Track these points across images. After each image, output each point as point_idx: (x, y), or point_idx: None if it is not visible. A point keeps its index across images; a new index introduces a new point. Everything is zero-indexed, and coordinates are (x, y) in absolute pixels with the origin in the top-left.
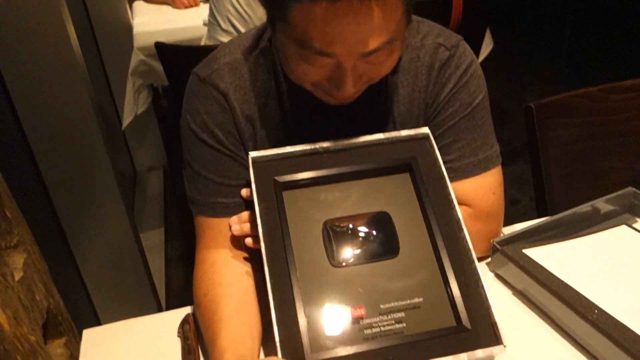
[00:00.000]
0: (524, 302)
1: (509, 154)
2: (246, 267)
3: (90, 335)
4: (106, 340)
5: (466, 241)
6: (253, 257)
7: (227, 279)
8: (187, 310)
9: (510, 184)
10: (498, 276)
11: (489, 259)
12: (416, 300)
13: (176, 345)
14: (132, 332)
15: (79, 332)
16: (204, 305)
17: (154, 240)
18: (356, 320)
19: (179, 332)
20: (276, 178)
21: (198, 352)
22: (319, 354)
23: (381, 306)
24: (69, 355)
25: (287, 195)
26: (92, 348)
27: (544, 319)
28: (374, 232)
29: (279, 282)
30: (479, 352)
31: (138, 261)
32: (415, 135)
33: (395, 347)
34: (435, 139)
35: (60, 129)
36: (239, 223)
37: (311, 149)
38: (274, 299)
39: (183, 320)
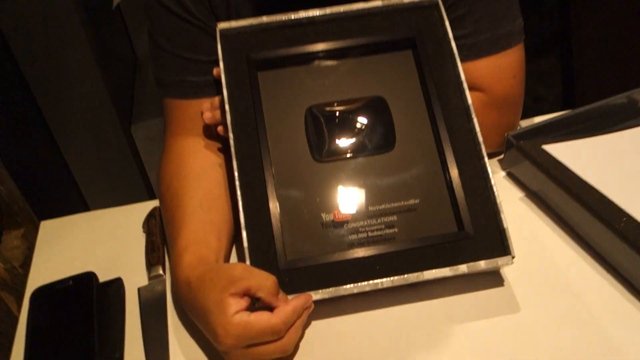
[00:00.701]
0: (538, 206)
1: (537, 45)
2: (218, 159)
3: (48, 227)
4: (65, 232)
5: (475, 133)
6: (228, 148)
7: (194, 170)
8: (155, 203)
9: (534, 79)
10: (511, 176)
11: (502, 156)
12: (412, 201)
13: (141, 241)
14: (93, 225)
15: None
16: (166, 200)
17: (153, 130)
18: (340, 223)
19: (144, 227)
20: (250, 55)
21: (163, 250)
22: (294, 261)
23: (370, 208)
24: (26, 247)
25: (262, 76)
26: (49, 240)
27: (561, 227)
28: (366, 121)
29: (249, 179)
30: (482, 264)
31: (127, 152)
32: (421, 2)
33: (384, 255)
34: (446, 9)
35: (34, 15)
36: (210, 110)
37: (293, 20)
38: (242, 198)
39: (149, 214)
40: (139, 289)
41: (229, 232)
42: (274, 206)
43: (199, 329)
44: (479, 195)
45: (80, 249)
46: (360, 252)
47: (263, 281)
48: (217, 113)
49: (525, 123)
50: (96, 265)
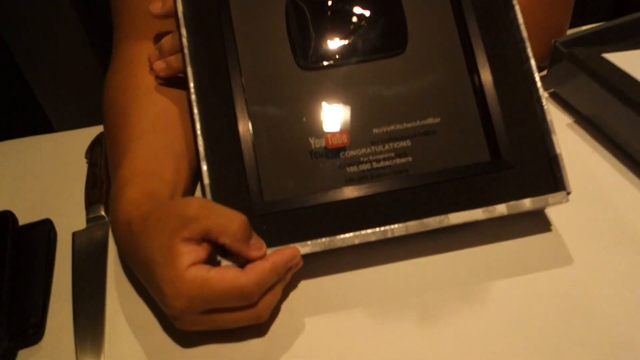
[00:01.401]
0: (593, 135)
1: None
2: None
3: None
4: None
5: (517, 24)
6: None
7: (147, 83)
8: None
9: None
10: (556, 97)
11: (544, 72)
12: (430, 120)
13: (82, 175)
14: (23, 154)
15: None
16: (109, 119)
17: None
18: (334, 152)
19: (87, 156)
20: None
21: (108, 187)
22: (273, 203)
23: (375, 131)
24: None
25: None
26: None
27: (624, 161)
28: (368, 13)
29: (211, 93)
30: (526, 203)
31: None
32: None
33: (394, 194)
34: None
35: None
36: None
37: None
38: (201, 118)
39: (94, 139)
40: (73, 234)
41: (191, 162)
42: (245, 129)
43: (144, 287)
44: (521, 111)
45: (12, 178)
46: (362, 190)
47: (228, 222)
48: (174, 60)
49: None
50: (23, 203)
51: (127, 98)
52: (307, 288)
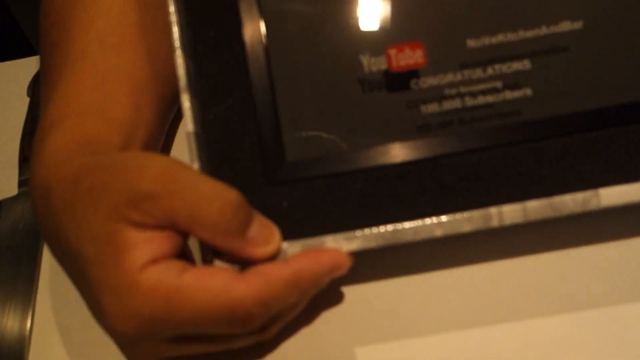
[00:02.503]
0: None
1: None
2: None
3: None
4: None
5: None
6: None
7: None
8: None
9: None
10: None
11: None
12: (566, 26)
13: (20, 118)
14: None
15: None
16: (44, 33)
17: None
18: (401, 78)
19: (28, 91)
20: None
21: None
22: (299, 166)
23: (470, 43)
24: None
25: None
26: None
27: None
28: None
29: None
30: None
31: None
32: None
33: (498, 151)
34: None
35: None
36: None
37: None
38: (180, 16)
39: (36, 74)
40: (0, 203)
41: (161, 95)
42: (255, 37)
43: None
44: None
45: None
46: (447, 145)
47: (203, 203)
48: None
49: None
50: None
51: (68, 4)
52: (350, 301)
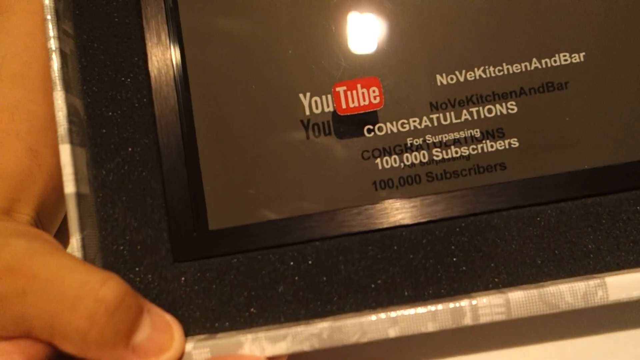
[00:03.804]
0: None
1: None
2: None
3: None
4: None
5: None
6: None
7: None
8: None
9: None
10: None
11: None
12: (563, 58)
13: None
14: None
15: None
16: None
17: None
18: (352, 123)
19: None
20: None
21: None
22: (223, 237)
23: (440, 79)
24: None
25: None
26: None
27: None
28: None
29: None
30: None
31: None
32: None
33: (476, 220)
34: None
35: None
36: None
37: None
38: (60, 41)
39: None
40: None
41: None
42: (164, 68)
43: None
44: None
45: None
46: (411, 209)
47: (63, 303)
48: None
49: None
50: None
51: None
52: None
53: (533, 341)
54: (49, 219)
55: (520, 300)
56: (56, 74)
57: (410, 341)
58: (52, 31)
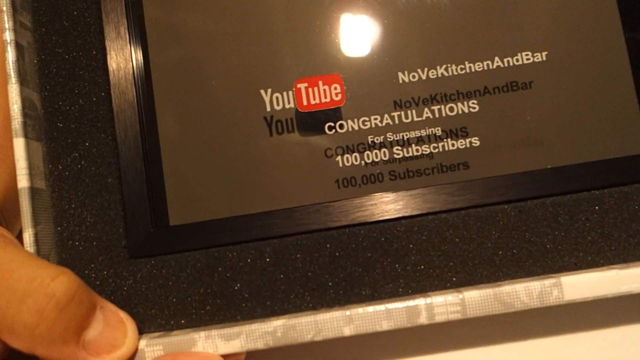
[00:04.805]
0: None
1: None
2: None
3: None
4: None
5: None
6: None
7: None
8: None
9: None
10: None
11: None
12: (526, 57)
13: None
14: None
15: None
16: None
17: None
18: (314, 120)
19: None
20: None
21: None
22: (184, 233)
23: (401, 77)
24: None
25: None
26: None
27: None
28: None
29: None
30: None
31: None
32: None
33: (437, 219)
34: None
35: None
36: None
37: None
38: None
39: None
40: None
41: None
42: (122, 62)
43: None
44: None
45: None
46: (372, 208)
47: (11, 297)
48: None
49: None
50: None
51: None
52: None
53: (495, 342)
54: (13, 215)
55: (475, 299)
56: (11, 67)
57: (372, 340)
58: (7, 23)
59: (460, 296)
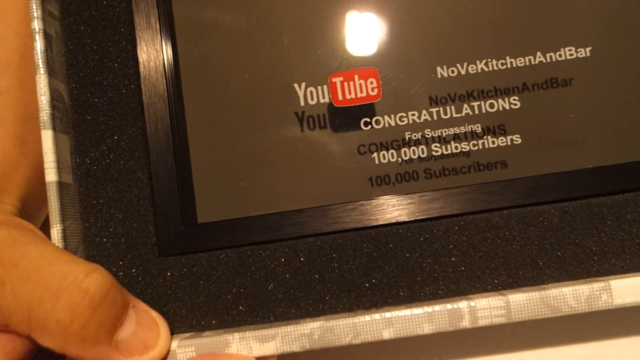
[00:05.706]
0: None
1: None
2: None
3: None
4: None
5: None
6: None
7: None
8: None
9: None
10: None
11: None
12: (569, 53)
13: None
14: None
15: None
16: None
17: None
18: (348, 115)
19: None
20: None
21: None
22: (212, 231)
23: (440, 72)
24: None
25: None
26: None
27: None
28: None
29: None
30: None
31: None
32: None
33: (477, 219)
34: None
35: None
36: None
37: None
38: (42, 21)
39: None
40: None
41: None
42: (153, 56)
43: None
44: None
45: None
46: (409, 207)
47: (44, 294)
48: None
49: None
50: None
51: None
52: None
53: (531, 346)
54: (34, 210)
55: (521, 302)
56: (39, 56)
57: (407, 343)
58: (36, 12)
59: (505, 299)
